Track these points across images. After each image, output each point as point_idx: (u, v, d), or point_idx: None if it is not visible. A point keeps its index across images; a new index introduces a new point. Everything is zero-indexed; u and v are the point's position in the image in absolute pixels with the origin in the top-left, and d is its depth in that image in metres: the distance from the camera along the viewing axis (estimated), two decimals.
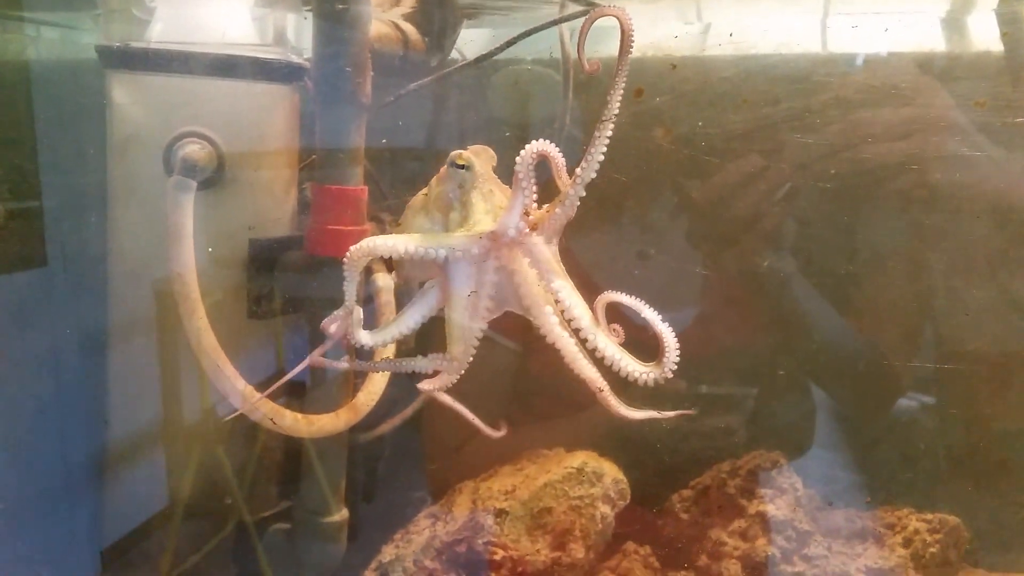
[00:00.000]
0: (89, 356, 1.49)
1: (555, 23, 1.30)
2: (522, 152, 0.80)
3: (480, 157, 0.91)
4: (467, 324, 0.94)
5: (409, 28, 1.32)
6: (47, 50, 1.64)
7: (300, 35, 1.34)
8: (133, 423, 1.46)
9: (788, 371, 1.62)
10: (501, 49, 1.28)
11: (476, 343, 0.93)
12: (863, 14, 1.43)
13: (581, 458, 1.42)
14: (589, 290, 0.89)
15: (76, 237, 1.51)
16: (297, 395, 1.38)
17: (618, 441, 1.54)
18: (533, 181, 0.82)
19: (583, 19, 0.83)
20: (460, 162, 0.89)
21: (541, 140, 0.80)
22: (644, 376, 0.87)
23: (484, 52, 1.30)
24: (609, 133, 0.81)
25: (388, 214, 1.42)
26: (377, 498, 1.59)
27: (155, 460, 1.47)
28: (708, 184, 1.42)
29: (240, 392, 1.18)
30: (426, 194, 0.95)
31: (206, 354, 1.16)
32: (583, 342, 0.87)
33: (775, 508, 1.31)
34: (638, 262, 1.57)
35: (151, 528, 1.49)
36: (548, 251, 0.91)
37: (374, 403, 1.30)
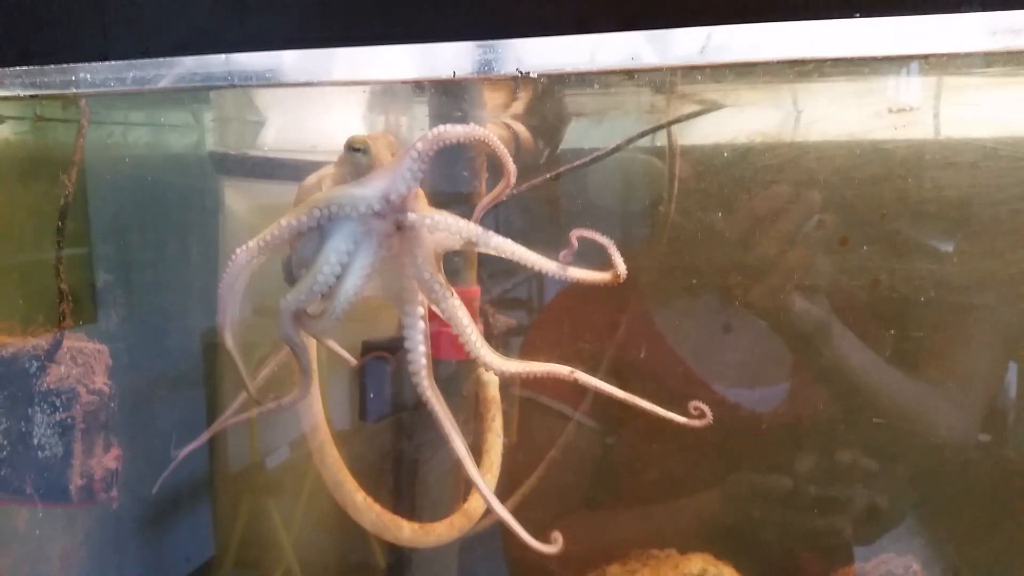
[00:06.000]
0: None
1: (674, 123, 1.29)
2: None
3: (379, 142, 0.87)
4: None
5: (520, 128, 1.31)
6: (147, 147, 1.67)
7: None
8: (182, 475, 1.46)
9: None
10: (619, 148, 1.26)
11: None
12: None
13: (699, 564, 1.36)
14: None
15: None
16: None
17: (720, 531, 1.48)
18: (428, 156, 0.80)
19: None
20: (357, 145, 0.85)
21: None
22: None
23: (600, 149, 1.28)
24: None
25: (491, 307, 1.40)
26: None
27: (203, 512, 1.48)
28: None
29: (358, 504, 1.16)
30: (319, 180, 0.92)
31: (328, 468, 1.14)
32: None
33: None
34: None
35: None
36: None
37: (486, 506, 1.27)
